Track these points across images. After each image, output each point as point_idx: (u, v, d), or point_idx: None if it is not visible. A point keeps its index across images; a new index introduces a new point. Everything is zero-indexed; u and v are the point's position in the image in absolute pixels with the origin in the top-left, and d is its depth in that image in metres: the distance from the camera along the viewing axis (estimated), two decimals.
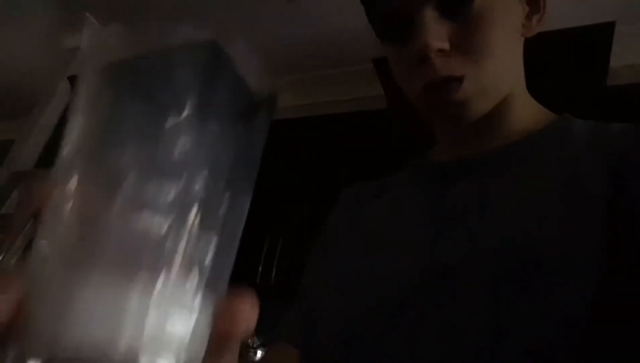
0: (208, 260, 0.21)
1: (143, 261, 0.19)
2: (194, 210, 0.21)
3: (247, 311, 0.22)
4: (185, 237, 0.20)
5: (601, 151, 0.44)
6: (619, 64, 1.58)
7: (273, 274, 1.81)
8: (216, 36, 0.25)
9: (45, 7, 2.23)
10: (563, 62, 1.46)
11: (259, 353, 1.71)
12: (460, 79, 0.47)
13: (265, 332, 0.52)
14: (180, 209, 0.21)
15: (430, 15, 0.46)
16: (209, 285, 0.21)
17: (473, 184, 0.50)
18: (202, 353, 0.21)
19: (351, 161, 1.81)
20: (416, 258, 0.47)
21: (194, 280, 0.21)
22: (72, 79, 2.26)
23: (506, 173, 0.49)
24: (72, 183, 0.21)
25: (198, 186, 0.21)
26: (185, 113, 0.21)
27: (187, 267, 0.20)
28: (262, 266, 1.83)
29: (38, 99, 2.32)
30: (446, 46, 0.46)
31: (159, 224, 0.20)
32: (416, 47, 0.46)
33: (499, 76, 0.49)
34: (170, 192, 0.21)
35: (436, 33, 0.46)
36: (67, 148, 0.23)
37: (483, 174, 0.50)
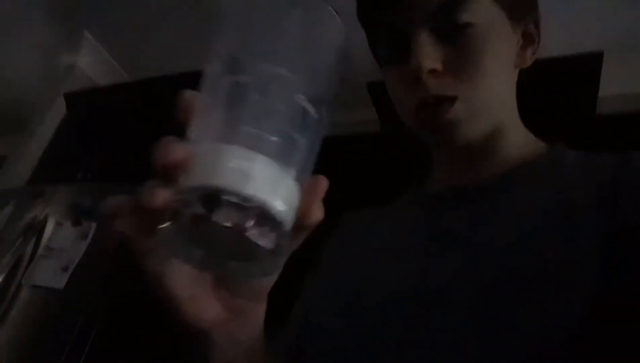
0: (306, 147, 0.29)
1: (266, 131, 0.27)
2: (305, 109, 0.28)
3: (321, 199, 0.30)
4: (296, 126, 0.28)
5: (593, 181, 0.45)
6: (608, 93, 1.61)
7: None
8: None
9: (43, 24, 2.25)
10: (553, 90, 1.48)
11: None
12: (452, 100, 0.48)
13: None
14: (295, 108, 0.28)
15: (425, 37, 0.48)
16: (304, 167, 0.29)
17: (466, 213, 0.51)
18: (294, 214, 0.28)
19: (343, 185, 1.81)
20: (408, 283, 0.48)
21: (298, 156, 0.28)
22: (68, 97, 2.26)
23: (499, 201, 0.50)
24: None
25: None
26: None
27: (294, 146, 0.28)
28: None
29: (32, 115, 2.32)
30: (439, 67, 0.48)
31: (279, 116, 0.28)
32: (410, 67, 0.48)
33: (490, 102, 0.51)
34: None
35: (430, 54, 0.48)
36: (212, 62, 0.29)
37: (477, 203, 0.51)
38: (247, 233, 0.25)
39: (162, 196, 0.26)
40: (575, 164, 0.50)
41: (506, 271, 0.42)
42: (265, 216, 0.26)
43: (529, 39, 0.56)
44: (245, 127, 0.27)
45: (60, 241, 1.66)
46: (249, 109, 0.27)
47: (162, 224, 0.26)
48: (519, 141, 0.56)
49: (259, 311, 0.37)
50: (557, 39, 1.51)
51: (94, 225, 1.67)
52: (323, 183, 0.30)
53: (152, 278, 0.32)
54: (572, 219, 0.43)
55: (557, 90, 1.50)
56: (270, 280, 0.35)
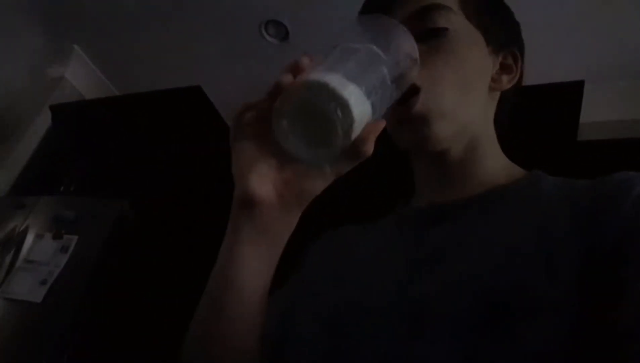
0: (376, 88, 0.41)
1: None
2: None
3: (376, 135, 0.41)
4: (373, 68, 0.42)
5: (569, 204, 0.47)
6: (589, 121, 1.65)
7: None
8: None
9: (33, 36, 2.24)
10: (536, 117, 1.52)
11: None
12: (418, 89, 0.51)
13: None
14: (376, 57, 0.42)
15: None
16: (375, 110, 0.40)
17: (447, 228, 0.52)
18: (360, 130, 0.39)
19: (333, 208, 1.81)
20: (390, 297, 0.48)
21: (374, 100, 0.40)
22: (54, 108, 2.24)
23: (479, 218, 0.51)
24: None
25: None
26: None
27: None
28: None
29: (18, 126, 2.29)
30: None
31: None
32: None
33: (458, 105, 0.54)
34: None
35: None
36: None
37: (457, 219, 0.52)
38: (333, 116, 0.37)
39: (288, 79, 0.40)
40: (552, 188, 0.51)
41: (485, 290, 0.43)
42: (346, 114, 0.37)
43: (506, 69, 0.60)
44: (347, 70, 0.39)
45: (40, 254, 1.63)
46: (354, 62, 0.40)
47: (282, 101, 0.39)
48: (496, 163, 0.58)
49: (291, 223, 0.46)
50: (540, 68, 1.56)
51: (75, 238, 1.65)
52: (382, 125, 0.42)
53: (233, 153, 0.44)
54: (550, 241, 0.44)
55: (540, 117, 1.53)
56: (317, 186, 0.44)
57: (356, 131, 0.38)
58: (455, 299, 0.43)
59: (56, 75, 2.39)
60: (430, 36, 0.53)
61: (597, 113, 1.72)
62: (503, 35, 0.59)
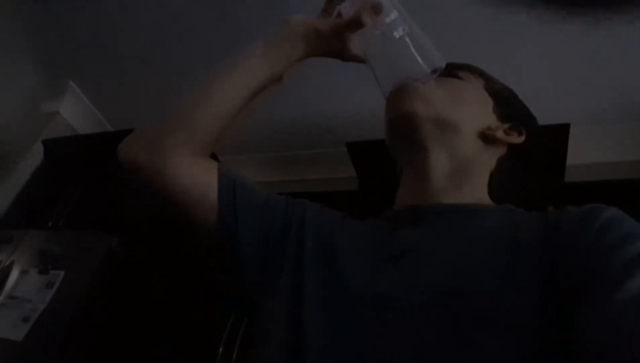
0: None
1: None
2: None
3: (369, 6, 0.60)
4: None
5: (540, 227, 0.49)
6: (575, 163, 1.69)
7: (234, 355, 1.73)
8: None
9: (29, 71, 2.27)
10: (524, 158, 1.55)
11: None
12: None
13: None
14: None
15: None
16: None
17: (419, 230, 0.55)
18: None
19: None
20: (358, 285, 0.51)
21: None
22: (46, 143, 2.25)
23: (452, 226, 0.54)
24: None
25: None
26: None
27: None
28: (223, 347, 1.75)
29: (9, 159, 2.28)
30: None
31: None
32: None
33: (444, 103, 0.61)
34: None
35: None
36: None
37: (430, 223, 0.55)
38: None
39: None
40: (524, 215, 0.55)
41: (444, 293, 0.45)
42: None
43: (505, 126, 0.65)
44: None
45: (24, 290, 1.59)
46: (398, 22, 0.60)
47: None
48: (476, 191, 0.62)
49: (299, 50, 0.65)
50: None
51: (61, 274, 1.61)
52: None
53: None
54: (518, 261, 0.46)
55: (527, 158, 1.56)
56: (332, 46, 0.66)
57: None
58: (413, 297, 0.46)
59: (50, 110, 2.40)
60: (446, 78, 0.64)
61: (583, 155, 1.76)
62: (511, 112, 0.67)
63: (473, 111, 0.64)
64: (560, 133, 1.53)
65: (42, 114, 2.39)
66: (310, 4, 0.69)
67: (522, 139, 0.64)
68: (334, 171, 2.23)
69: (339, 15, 0.65)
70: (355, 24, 0.60)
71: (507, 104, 0.67)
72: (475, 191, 0.61)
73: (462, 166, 0.61)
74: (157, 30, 1.98)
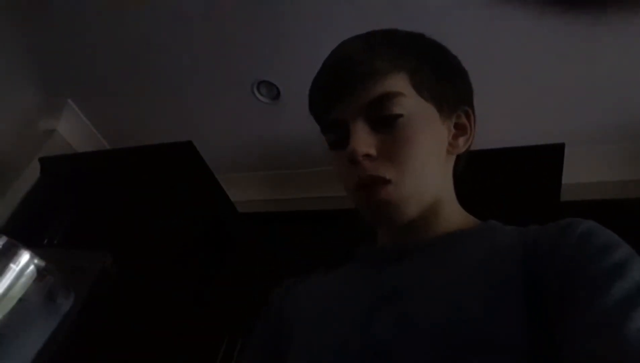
0: None
1: None
2: None
3: None
4: None
5: (520, 245, 0.50)
6: (571, 182, 1.69)
7: None
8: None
9: (27, 89, 2.27)
10: (520, 177, 1.55)
11: None
12: (386, 181, 0.54)
13: None
14: None
15: (361, 125, 0.55)
16: None
17: (406, 267, 0.55)
18: None
19: (316, 256, 1.80)
20: (354, 336, 0.50)
21: None
22: (43, 161, 2.24)
23: (436, 258, 0.54)
24: None
25: None
26: None
27: None
28: None
29: (5, 176, 2.28)
30: (372, 151, 0.55)
31: None
32: (347, 152, 0.54)
33: (422, 184, 0.57)
34: None
35: (364, 140, 0.54)
36: None
37: (416, 259, 0.55)
38: None
39: None
40: (505, 232, 0.55)
41: (440, 330, 0.45)
42: None
43: (461, 129, 0.64)
44: None
45: None
46: None
47: None
48: (454, 216, 0.62)
49: None
50: (523, 131, 1.61)
51: None
52: None
53: None
54: (501, 276, 0.46)
55: (523, 178, 1.57)
56: None
57: None
58: (413, 340, 0.45)
59: (48, 128, 2.40)
60: (386, 125, 0.56)
61: (578, 175, 1.77)
62: (455, 99, 0.63)
63: (437, 159, 0.60)
64: (555, 152, 1.54)
65: (39, 132, 2.38)
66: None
67: (472, 121, 0.64)
68: (331, 190, 2.23)
69: None
70: None
71: (445, 94, 0.61)
72: (453, 214, 0.62)
73: (437, 203, 0.60)
74: (156, 50, 2.00)
